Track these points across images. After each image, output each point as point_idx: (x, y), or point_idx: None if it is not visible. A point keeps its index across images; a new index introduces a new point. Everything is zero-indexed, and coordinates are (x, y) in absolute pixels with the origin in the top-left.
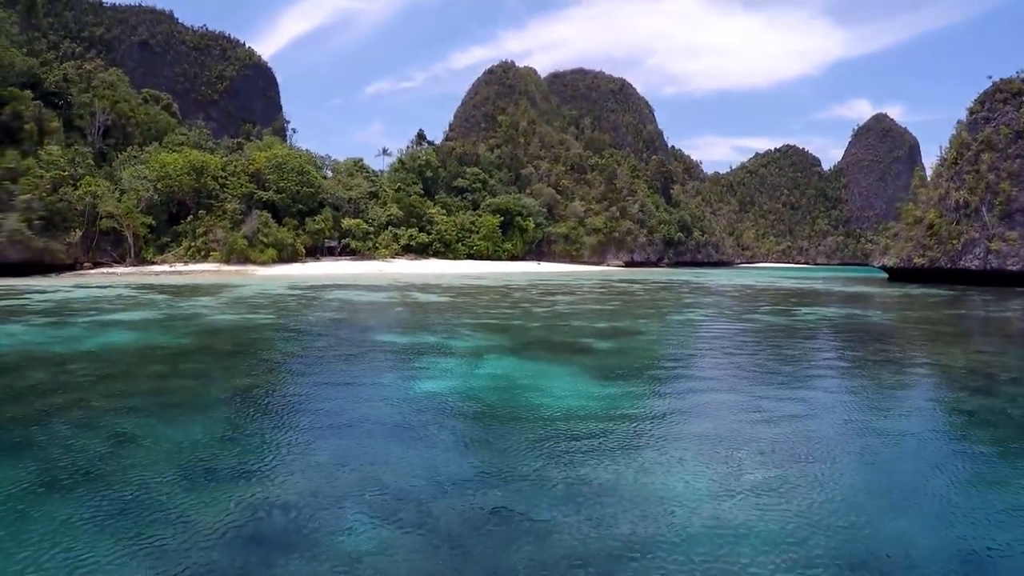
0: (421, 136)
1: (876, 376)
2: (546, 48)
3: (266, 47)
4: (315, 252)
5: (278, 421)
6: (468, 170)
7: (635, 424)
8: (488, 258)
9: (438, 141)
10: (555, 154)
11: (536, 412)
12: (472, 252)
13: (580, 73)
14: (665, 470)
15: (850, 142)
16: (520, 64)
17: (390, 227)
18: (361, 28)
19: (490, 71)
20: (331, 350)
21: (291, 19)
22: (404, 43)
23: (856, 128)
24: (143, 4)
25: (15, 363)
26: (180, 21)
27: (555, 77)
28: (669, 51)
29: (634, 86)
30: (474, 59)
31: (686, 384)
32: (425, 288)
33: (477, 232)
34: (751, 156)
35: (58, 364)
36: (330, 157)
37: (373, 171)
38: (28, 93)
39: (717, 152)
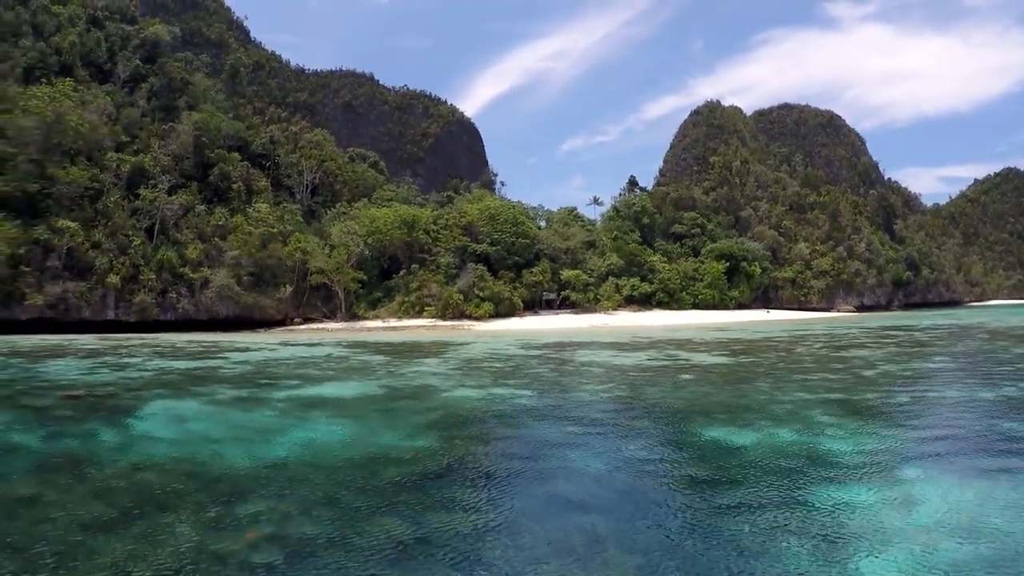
0: (633, 182)
1: None
2: (736, 92)
3: (465, 108)
4: (533, 305)
5: None
6: (685, 215)
7: None
8: (715, 307)
9: (646, 190)
10: (772, 194)
11: None
12: (697, 301)
13: (786, 108)
14: None
15: None
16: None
17: (610, 277)
18: (552, 88)
19: (696, 112)
20: (719, 482)
21: (485, 82)
22: (595, 99)
23: None
24: (344, 68)
25: (159, 485)
26: (381, 83)
27: (760, 115)
28: (863, 83)
29: (842, 117)
30: (666, 109)
31: None
32: (683, 345)
33: (701, 280)
34: (969, 184)
35: (226, 499)
36: (543, 207)
37: (588, 220)
38: (235, 155)
39: (921, 184)
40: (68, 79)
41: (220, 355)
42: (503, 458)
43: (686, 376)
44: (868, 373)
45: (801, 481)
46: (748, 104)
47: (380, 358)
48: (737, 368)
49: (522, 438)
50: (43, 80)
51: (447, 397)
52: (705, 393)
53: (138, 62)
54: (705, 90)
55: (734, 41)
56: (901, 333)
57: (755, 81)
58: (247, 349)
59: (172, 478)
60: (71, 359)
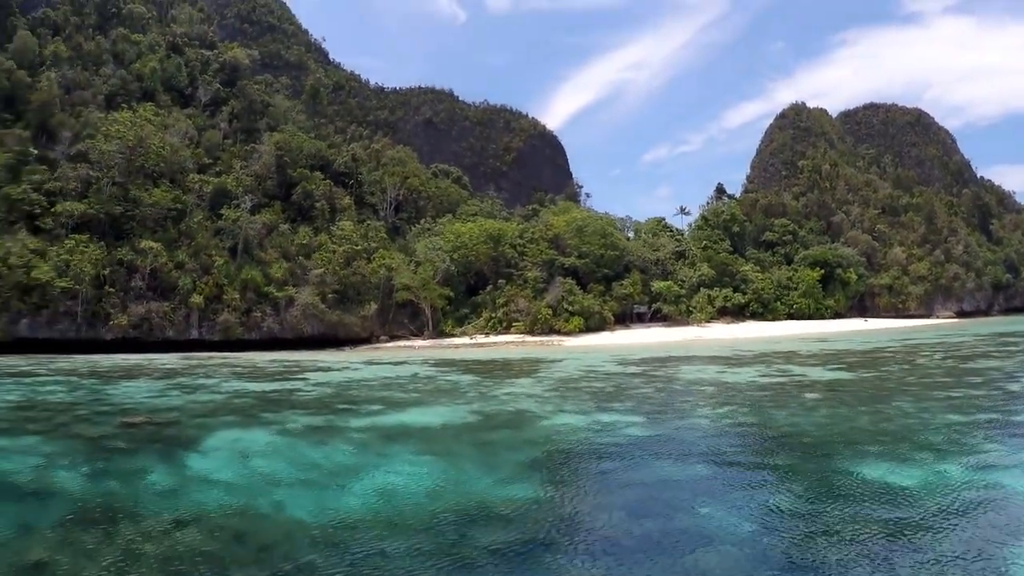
0: (721, 190)
1: None
2: (816, 95)
3: (547, 121)
4: (623, 319)
5: None
6: (776, 222)
7: None
8: (810, 317)
9: (734, 197)
10: (863, 197)
11: None
12: (792, 311)
13: (872, 108)
14: None
15: None
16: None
17: (702, 288)
18: (632, 98)
19: (782, 116)
20: None
21: (565, 95)
22: (675, 108)
23: None
24: (423, 86)
25: (199, 550)
26: (461, 99)
27: (846, 116)
28: (945, 81)
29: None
30: (747, 115)
31: None
32: (790, 358)
33: (796, 289)
34: None
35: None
36: (630, 218)
37: (676, 230)
38: (318, 174)
39: (1014, 181)
40: (149, 104)
41: (300, 375)
42: (624, 516)
43: (811, 395)
44: (1014, 387)
45: (997, 539)
46: (829, 107)
47: (469, 378)
48: (863, 384)
49: (642, 484)
50: (125, 106)
51: (547, 426)
52: (841, 417)
53: (218, 86)
54: (785, 94)
55: (813, 43)
56: (1021, 339)
57: (834, 83)
58: (329, 369)
59: (218, 540)
60: (145, 380)
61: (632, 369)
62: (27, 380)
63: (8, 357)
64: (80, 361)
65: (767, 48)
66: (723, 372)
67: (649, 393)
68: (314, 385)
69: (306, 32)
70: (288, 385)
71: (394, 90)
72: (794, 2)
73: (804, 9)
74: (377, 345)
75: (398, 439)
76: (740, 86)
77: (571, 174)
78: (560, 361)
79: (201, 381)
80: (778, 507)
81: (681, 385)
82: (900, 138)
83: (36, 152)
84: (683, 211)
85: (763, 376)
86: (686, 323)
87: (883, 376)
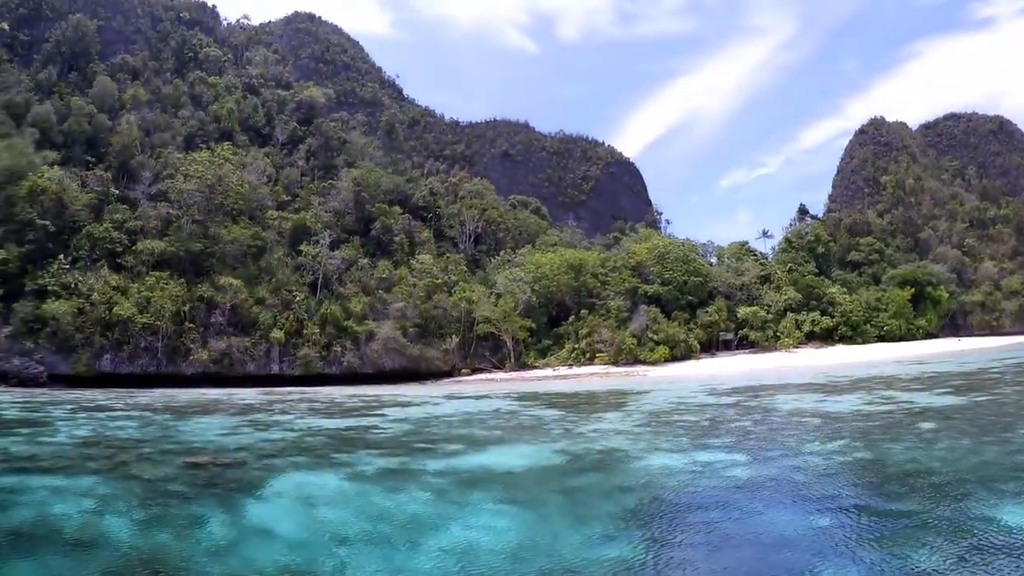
0: (803, 211)
1: None
2: (894, 109)
3: (623, 149)
4: (709, 347)
5: None
6: (861, 240)
7: None
8: (901, 338)
9: (817, 218)
10: (950, 211)
11: None
12: (883, 333)
13: (952, 119)
14: None
15: None
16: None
17: (788, 312)
18: (706, 124)
19: (861, 131)
20: None
21: (640, 122)
22: (750, 131)
23: None
24: (498, 119)
25: None
26: (536, 129)
27: (927, 128)
28: (1020, 88)
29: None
30: (823, 133)
31: None
32: (891, 384)
33: (885, 309)
34: None
35: None
36: (712, 243)
37: (760, 253)
38: (397, 209)
39: None
40: (227, 143)
41: (378, 411)
42: None
43: (926, 425)
44: None
45: None
46: (907, 120)
47: (553, 412)
48: (979, 410)
49: (756, 541)
50: (203, 146)
51: (640, 468)
52: (966, 449)
53: (295, 124)
54: (860, 110)
55: (885, 56)
56: None
57: (910, 96)
58: (408, 404)
59: None
60: (220, 416)
61: (725, 400)
62: (101, 415)
63: (90, 391)
64: (158, 395)
65: (840, 65)
66: (823, 401)
67: (747, 426)
68: (392, 422)
69: (380, 70)
70: (364, 422)
71: (469, 123)
72: (864, 18)
73: (874, 24)
74: (459, 378)
75: (478, 485)
76: (815, 105)
77: (650, 201)
78: (647, 393)
79: (276, 417)
80: (919, 570)
81: (780, 417)
82: (983, 148)
83: (117, 192)
84: (766, 234)
85: (867, 404)
86: (773, 349)
87: (998, 400)
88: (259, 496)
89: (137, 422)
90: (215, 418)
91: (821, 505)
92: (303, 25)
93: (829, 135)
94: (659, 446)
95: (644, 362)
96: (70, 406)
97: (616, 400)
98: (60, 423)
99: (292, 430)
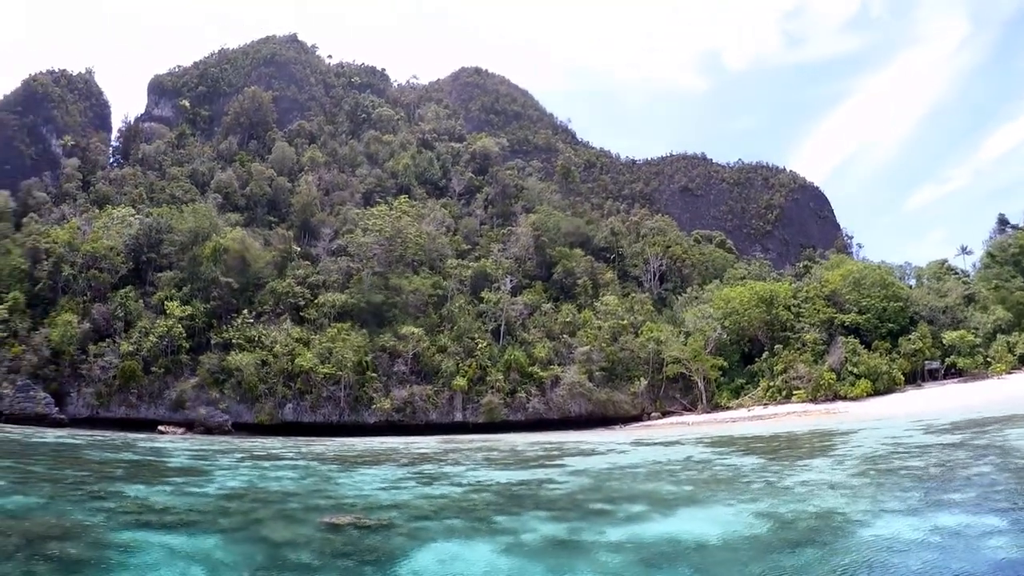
0: (1003, 221)
1: None
2: None
3: (805, 174)
4: (913, 377)
5: None
6: None
7: None
8: None
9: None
10: None
11: None
12: None
13: None
14: None
15: None
16: None
17: (998, 335)
18: (885, 143)
19: None
20: None
21: (817, 146)
22: (931, 145)
23: None
24: (675, 153)
25: None
26: (714, 161)
27: None
28: None
29: None
30: (1011, 139)
31: None
32: None
33: None
34: None
35: None
36: (909, 264)
37: (961, 271)
38: (578, 251)
39: None
40: (404, 197)
41: (558, 461)
42: None
43: None
44: None
45: None
46: None
47: (751, 461)
48: None
49: None
50: (381, 200)
51: (867, 539)
52: None
53: (471, 175)
54: None
55: None
56: None
57: None
58: (592, 452)
59: None
60: (388, 467)
61: (947, 439)
62: (266, 464)
63: (270, 439)
64: (335, 445)
65: (1018, 63)
66: None
67: (988, 473)
68: (570, 474)
69: (551, 116)
70: (540, 474)
71: (646, 161)
72: None
73: None
74: (648, 422)
75: (662, 564)
76: (997, 109)
77: (839, 225)
78: (854, 433)
79: (447, 469)
80: None
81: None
82: None
83: (299, 249)
84: (965, 251)
85: None
86: (985, 376)
87: None
88: (392, 571)
89: (299, 472)
90: (381, 469)
91: None
92: (471, 79)
93: (1017, 140)
94: (885, 506)
95: (844, 398)
96: (240, 455)
97: (821, 443)
98: (220, 472)
99: (458, 484)
